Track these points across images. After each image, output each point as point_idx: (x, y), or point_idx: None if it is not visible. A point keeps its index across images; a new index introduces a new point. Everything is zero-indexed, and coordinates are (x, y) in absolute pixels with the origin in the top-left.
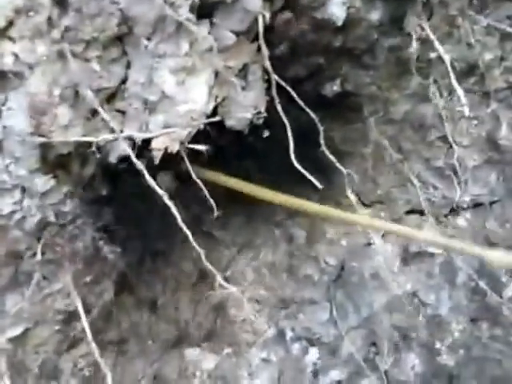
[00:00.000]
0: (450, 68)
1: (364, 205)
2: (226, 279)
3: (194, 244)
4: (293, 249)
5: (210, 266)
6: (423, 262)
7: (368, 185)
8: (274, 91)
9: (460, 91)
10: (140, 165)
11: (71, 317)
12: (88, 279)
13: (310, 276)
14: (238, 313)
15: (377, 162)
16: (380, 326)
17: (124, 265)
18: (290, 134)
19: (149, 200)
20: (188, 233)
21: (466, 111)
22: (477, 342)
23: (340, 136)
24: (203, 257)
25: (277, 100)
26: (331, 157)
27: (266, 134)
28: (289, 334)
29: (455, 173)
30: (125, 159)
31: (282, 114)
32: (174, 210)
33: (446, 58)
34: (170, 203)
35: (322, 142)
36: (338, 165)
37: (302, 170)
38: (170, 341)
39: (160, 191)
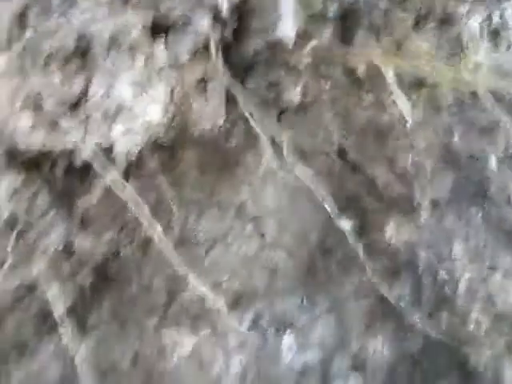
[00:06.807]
0: (392, 85)
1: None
2: None
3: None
4: None
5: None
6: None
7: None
8: (241, 105)
9: (402, 104)
10: (103, 171)
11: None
12: (64, 269)
13: None
14: None
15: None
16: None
17: (101, 254)
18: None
19: None
20: None
21: (409, 122)
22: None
23: (304, 139)
24: None
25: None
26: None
27: None
28: None
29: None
30: None
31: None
32: None
33: (390, 75)
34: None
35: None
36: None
37: None
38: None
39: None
